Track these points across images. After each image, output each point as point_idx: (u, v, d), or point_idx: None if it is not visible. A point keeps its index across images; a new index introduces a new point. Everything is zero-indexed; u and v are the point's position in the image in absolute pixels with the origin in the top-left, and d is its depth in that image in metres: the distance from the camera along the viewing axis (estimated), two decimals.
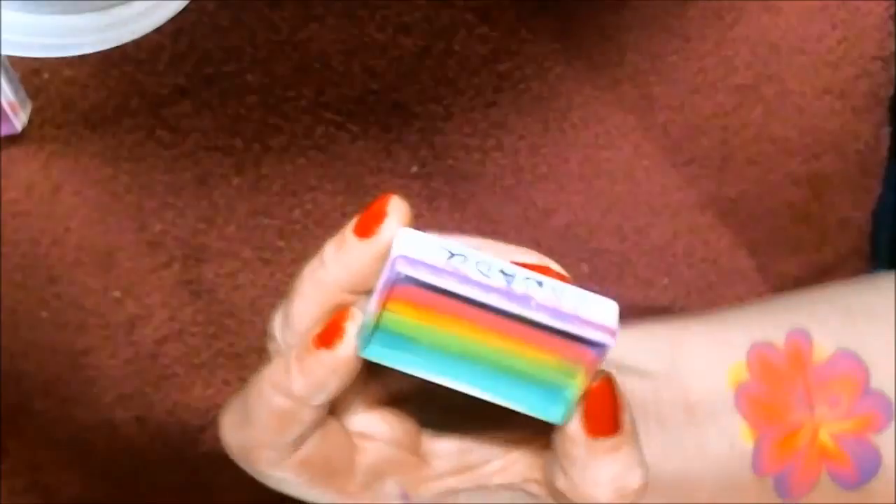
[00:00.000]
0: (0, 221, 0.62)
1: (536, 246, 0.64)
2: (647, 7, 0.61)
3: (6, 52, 0.52)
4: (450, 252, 0.40)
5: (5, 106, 0.58)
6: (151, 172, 0.62)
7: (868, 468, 0.52)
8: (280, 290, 0.63)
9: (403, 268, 0.39)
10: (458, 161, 0.63)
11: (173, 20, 0.53)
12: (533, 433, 0.44)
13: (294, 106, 0.61)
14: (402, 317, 0.40)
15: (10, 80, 0.58)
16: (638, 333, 0.52)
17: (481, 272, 0.39)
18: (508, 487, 0.45)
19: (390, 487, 0.44)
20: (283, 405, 0.41)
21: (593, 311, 0.40)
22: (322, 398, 0.41)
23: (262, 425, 0.42)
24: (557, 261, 0.64)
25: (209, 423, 0.65)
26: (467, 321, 0.40)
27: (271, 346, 0.44)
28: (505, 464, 0.45)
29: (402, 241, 0.40)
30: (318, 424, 0.42)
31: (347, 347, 0.40)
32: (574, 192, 0.63)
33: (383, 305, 0.40)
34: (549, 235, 0.63)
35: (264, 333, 0.63)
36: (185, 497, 0.66)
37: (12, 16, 0.52)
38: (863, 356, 0.52)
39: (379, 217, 0.40)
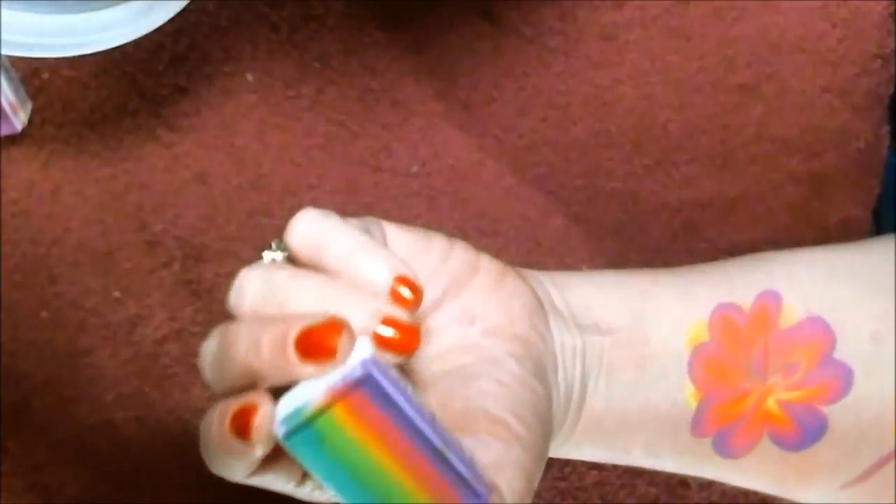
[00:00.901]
0: (0, 221, 0.61)
1: (536, 245, 0.64)
2: (647, 7, 0.61)
3: (6, 52, 0.52)
4: (396, 375, 0.40)
5: (5, 106, 0.58)
6: (151, 172, 0.62)
7: (812, 433, 0.51)
8: None
9: (372, 369, 0.39)
10: (458, 161, 0.63)
11: (173, 20, 0.54)
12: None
13: (294, 105, 0.61)
14: (340, 423, 0.39)
15: (10, 80, 0.58)
16: (611, 284, 0.51)
17: (416, 401, 0.40)
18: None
19: None
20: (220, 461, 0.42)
21: (480, 467, 0.41)
22: (243, 476, 0.42)
23: (210, 464, 0.42)
24: (560, 259, 0.64)
25: None
26: (388, 445, 0.40)
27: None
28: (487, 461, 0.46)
29: (364, 348, 0.40)
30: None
31: (256, 446, 0.39)
32: (573, 189, 0.64)
33: (328, 404, 0.39)
34: (548, 235, 0.63)
35: None
36: (185, 497, 0.66)
37: (12, 16, 0.52)
38: (832, 323, 0.52)
39: (331, 349, 0.39)
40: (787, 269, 0.53)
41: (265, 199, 0.62)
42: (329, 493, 0.40)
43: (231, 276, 0.63)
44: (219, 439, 0.40)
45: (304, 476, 0.43)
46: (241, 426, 0.39)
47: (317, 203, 0.61)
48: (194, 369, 0.64)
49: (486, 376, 0.45)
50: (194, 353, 0.64)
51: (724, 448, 0.52)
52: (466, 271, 0.47)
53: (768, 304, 0.52)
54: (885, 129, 0.64)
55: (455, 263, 0.47)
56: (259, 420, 0.39)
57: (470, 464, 0.41)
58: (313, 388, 0.39)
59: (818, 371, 0.51)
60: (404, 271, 0.41)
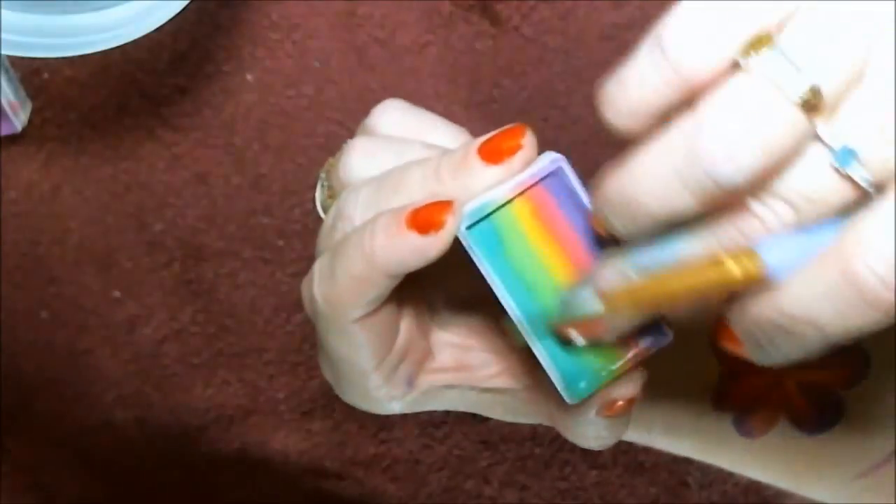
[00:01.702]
0: (0, 221, 0.62)
1: None
2: (647, 7, 0.61)
3: (6, 52, 0.52)
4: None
5: (5, 106, 0.58)
6: (151, 172, 0.62)
7: (829, 418, 0.52)
8: (280, 290, 0.63)
9: (562, 164, 0.40)
10: None
11: (173, 20, 0.54)
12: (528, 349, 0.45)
13: (294, 105, 0.61)
14: (517, 218, 0.40)
15: (10, 80, 0.58)
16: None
17: None
18: (497, 392, 0.46)
19: (401, 373, 0.45)
20: (363, 272, 0.41)
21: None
22: (399, 272, 0.41)
23: (343, 284, 0.42)
24: None
25: (209, 423, 0.65)
26: (564, 250, 0.40)
27: (339, 225, 0.43)
28: (500, 370, 0.46)
29: (550, 155, 0.41)
30: (392, 289, 0.42)
31: (440, 241, 0.39)
32: None
33: (511, 199, 0.40)
34: None
35: (264, 333, 0.63)
36: (185, 497, 0.66)
37: (12, 16, 0.52)
38: None
39: (513, 148, 0.40)
40: None
41: (265, 199, 0.62)
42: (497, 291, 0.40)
43: (231, 275, 0.63)
44: (391, 239, 0.40)
45: (384, 358, 0.43)
46: (428, 221, 0.40)
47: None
48: (194, 369, 0.64)
49: None
50: (194, 353, 0.64)
51: (744, 427, 0.52)
52: None
53: None
54: None
55: None
56: (450, 215, 0.39)
57: None
58: (496, 189, 0.40)
59: (836, 355, 0.52)
60: None
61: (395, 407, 0.45)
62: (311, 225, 0.62)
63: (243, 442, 0.65)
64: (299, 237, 0.62)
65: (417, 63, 0.61)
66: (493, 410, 0.47)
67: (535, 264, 0.40)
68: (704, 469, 0.65)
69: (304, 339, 0.63)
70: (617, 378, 0.41)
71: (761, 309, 0.35)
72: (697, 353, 0.51)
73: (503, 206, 0.40)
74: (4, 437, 0.65)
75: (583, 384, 0.41)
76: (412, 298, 0.44)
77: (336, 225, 0.43)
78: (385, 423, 0.65)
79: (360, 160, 0.44)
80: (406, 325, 0.44)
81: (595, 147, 0.63)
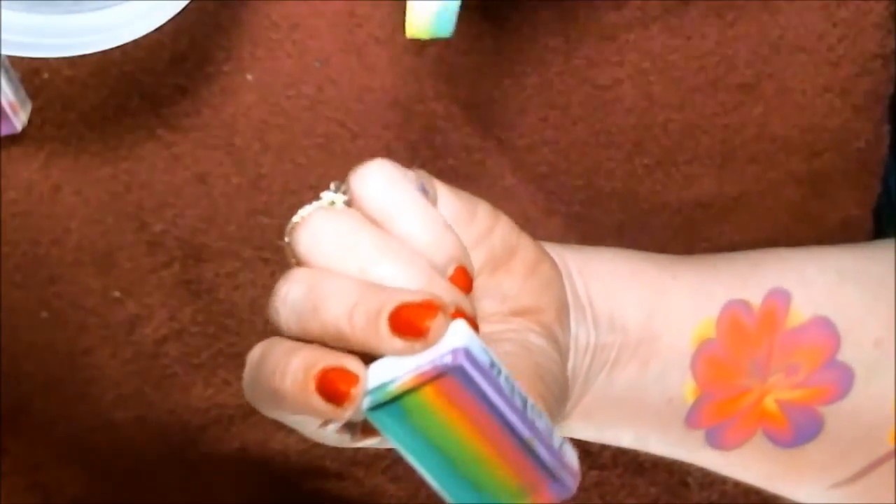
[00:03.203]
0: (0, 221, 0.61)
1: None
2: (647, 7, 0.61)
3: (6, 52, 0.52)
4: (490, 359, 0.40)
5: (5, 106, 0.58)
6: (151, 172, 0.62)
7: (807, 432, 0.52)
8: None
9: (462, 362, 0.39)
10: (458, 161, 0.63)
11: (173, 20, 0.53)
12: None
13: (294, 105, 0.61)
14: (426, 404, 0.40)
15: (10, 80, 0.58)
16: (630, 275, 0.51)
17: (507, 388, 0.40)
18: None
19: (350, 426, 0.44)
20: (272, 404, 0.41)
21: (568, 454, 0.42)
22: (303, 419, 0.42)
23: (259, 401, 0.42)
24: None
25: (209, 423, 0.65)
26: (474, 429, 0.40)
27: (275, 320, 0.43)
28: None
29: (458, 333, 0.40)
30: None
31: (340, 414, 0.39)
32: (573, 189, 0.63)
33: (416, 386, 0.39)
34: (548, 235, 0.63)
35: (264, 333, 0.63)
36: (185, 497, 0.66)
37: (12, 16, 0.52)
38: (839, 325, 0.52)
39: (421, 330, 0.39)
40: (798, 269, 0.53)
41: (265, 199, 0.62)
42: (410, 462, 0.41)
43: (231, 275, 0.63)
44: (297, 393, 0.40)
45: (349, 428, 0.43)
46: (333, 390, 0.39)
47: None
48: (194, 369, 0.64)
49: (512, 342, 0.46)
50: (194, 353, 0.64)
51: (716, 441, 0.52)
52: (505, 252, 0.47)
53: (777, 302, 0.52)
54: (885, 128, 0.64)
55: (496, 242, 0.46)
56: (357, 390, 0.39)
57: (560, 451, 0.41)
58: (402, 365, 0.39)
59: (820, 373, 0.52)
60: (465, 263, 0.42)
61: (357, 443, 0.45)
62: None
63: (243, 442, 0.65)
64: None
65: (417, 63, 0.61)
66: None
67: (444, 444, 0.40)
68: (704, 469, 0.65)
69: None
70: None
71: None
72: (673, 381, 0.51)
73: (410, 390, 0.39)
74: (4, 437, 0.65)
75: None
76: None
77: (272, 309, 0.42)
78: None
79: (315, 236, 0.42)
80: None
81: (595, 147, 0.63)
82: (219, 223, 0.62)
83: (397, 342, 0.39)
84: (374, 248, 0.41)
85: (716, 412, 0.52)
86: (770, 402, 0.52)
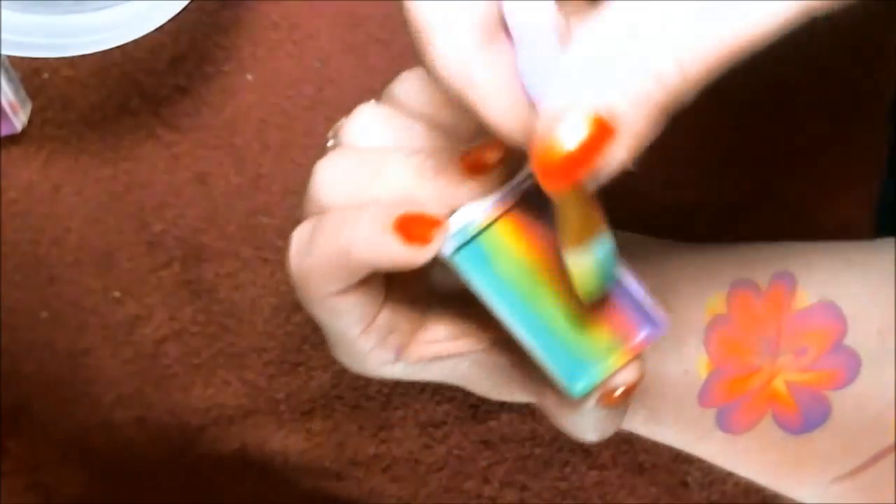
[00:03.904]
0: (0, 221, 0.61)
1: None
2: None
3: (6, 52, 0.52)
4: None
5: (5, 106, 0.58)
6: (151, 172, 0.62)
7: (815, 419, 0.52)
8: (280, 290, 0.63)
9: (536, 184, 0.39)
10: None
11: (173, 20, 0.54)
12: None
13: (294, 105, 0.61)
14: (507, 237, 0.39)
15: (10, 80, 0.58)
16: (634, 246, 0.51)
17: None
18: (488, 367, 0.46)
19: (390, 342, 0.44)
20: (338, 259, 0.40)
21: (650, 301, 0.41)
22: (375, 270, 0.40)
23: (317, 263, 0.41)
24: None
25: (209, 423, 0.65)
26: (555, 263, 0.39)
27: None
28: (492, 343, 0.45)
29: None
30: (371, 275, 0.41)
31: (422, 255, 0.39)
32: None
33: (497, 218, 0.39)
34: None
35: (264, 333, 0.63)
36: (185, 497, 0.66)
37: (12, 16, 0.52)
38: (845, 310, 0.52)
39: (493, 163, 0.39)
40: (804, 255, 0.53)
41: (265, 199, 0.62)
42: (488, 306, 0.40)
43: (231, 275, 0.63)
44: (373, 239, 0.39)
45: (369, 324, 0.42)
46: (415, 233, 0.39)
47: None
48: (194, 369, 0.64)
49: None
50: (194, 353, 0.64)
51: (727, 422, 0.52)
52: None
53: (784, 284, 0.52)
54: (886, 128, 0.64)
55: None
56: (439, 231, 0.39)
57: (645, 293, 0.40)
58: (478, 206, 0.39)
59: (828, 356, 0.52)
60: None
61: (387, 372, 0.45)
62: None
63: (243, 442, 0.65)
64: None
65: (418, 63, 0.61)
66: (482, 385, 0.47)
67: (527, 278, 0.40)
68: (704, 469, 0.65)
69: (303, 340, 0.63)
70: (615, 371, 0.42)
71: None
72: (689, 351, 0.51)
73: (488, 226, 0.39)
74: (4, 437, 0.65)
75: (583, 382, 0.41)
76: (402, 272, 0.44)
77: (309, 190, 0.42)
78: (385, 423, 0.65)
79: (367, 125, 0.43)
80: (395, 296, 0.44)
81: None
82: (219, 223, 0.62)
83: (473, 181, 0.39)
84: (437, 106, 0.42)
85: (727, 390, 0.52)
86: (780, 384, 0.52)
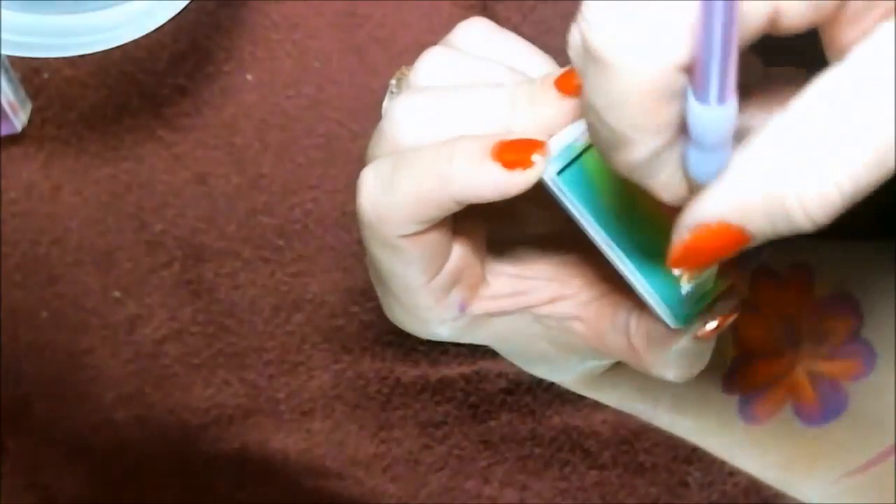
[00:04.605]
0: (0, 221, 0.62)
1: None
2: None
3: (6, 52, 0.52)
4: None
5: (5, 106, 0.58)
6: (151, 172, 0.62)
7: (832, 410, 0.52)
8: (280, 290, 0.63)
9: None
10: None
11: (173, 20, 0.54)
12: (592, 279, 0.44)
13: (294, 104, 0.61)
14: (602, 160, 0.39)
15: (10, 80, 0.58)
16: None
17: None
18: (551, 320, 0.45)
19: (453, 297, 0.43)
20: (431, 192, 0.40)
21: None
22: (472, 202, 0.40)
23: (403, 199, 0.40)
24: None
25: (209, 423, 0.65)
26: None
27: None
28: (555, 297, 0.45)
29: None
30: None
31: (525, 180, 0.38)
32: None
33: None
34: None
35: (264, 333, 0.63)
36: (185, 497, 0.66)
37: (12, 16, 0.52)
38: (861, 302, 0.52)
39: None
40: (818, 248, 0.53)
41: (265, 199, 0.62)
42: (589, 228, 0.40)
43: (231, 275, 0.63)
44: (472, 165, 0.39)
45: (435, 274, 0.42)
46: (516, 157, 0.38)
47: (317, 203, 0.62)
48: (194, 369, 0.64)
49: None
50: (194, 353, 0.64)
51: (748, 412, 0.52)
52: None
53: (801, 273, 0.52)
54: None
55: None
56: (542, 154, 0.38)
57: None
58: (576, 127, 0.39)
59: (846, 347, 0.52)
60: None
61: (443, 331, 0.44)
62: (311, 225, 0.62)
63: (243, 442, 0.65)
64: (299, 237, 0.62)
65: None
66: (539, 345, 0.46)
67: (627, 202, 0.39)
68: (704, 469, 0.65)
69: (304, 339, 0.63)
70: (713, 301, 0.41)
71: None
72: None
73: (588, 147, 0.39)
74: (4, 437, 0.65)
75: (685, 309, 0.41)
76: (468, 221, 0.43)
77: (384, 129, 0.41)
78: (385, 423, 0.65)
79: (436, 67, 0.43)
80: (460, 247, 0.43)
81: None
82: (219, 223, 0.62)
83: (570, 101, 0.39)
84: (507, 52, 0.43)
85: (750, 376, 0.51)
86: (801, 373, 0.52)
